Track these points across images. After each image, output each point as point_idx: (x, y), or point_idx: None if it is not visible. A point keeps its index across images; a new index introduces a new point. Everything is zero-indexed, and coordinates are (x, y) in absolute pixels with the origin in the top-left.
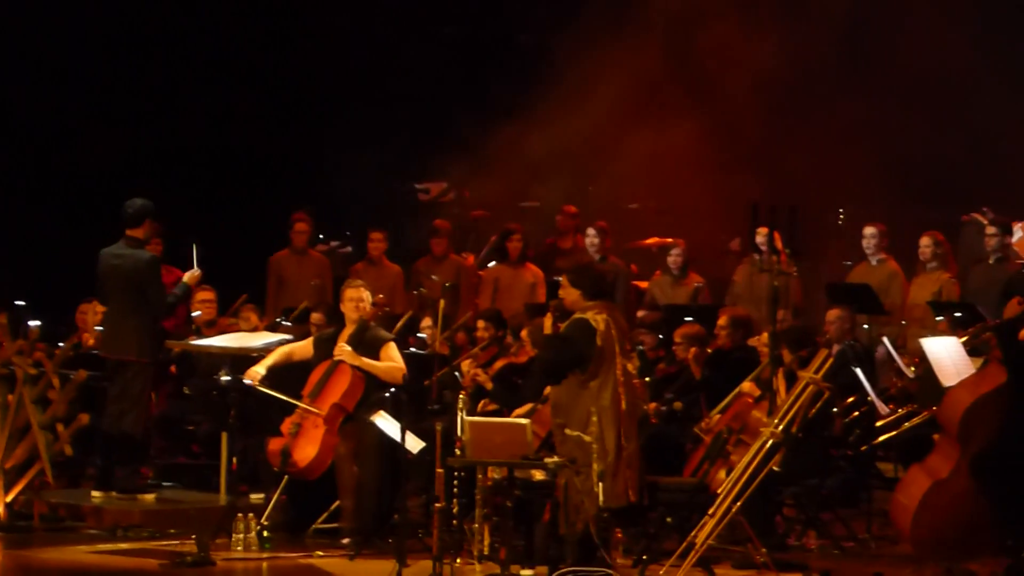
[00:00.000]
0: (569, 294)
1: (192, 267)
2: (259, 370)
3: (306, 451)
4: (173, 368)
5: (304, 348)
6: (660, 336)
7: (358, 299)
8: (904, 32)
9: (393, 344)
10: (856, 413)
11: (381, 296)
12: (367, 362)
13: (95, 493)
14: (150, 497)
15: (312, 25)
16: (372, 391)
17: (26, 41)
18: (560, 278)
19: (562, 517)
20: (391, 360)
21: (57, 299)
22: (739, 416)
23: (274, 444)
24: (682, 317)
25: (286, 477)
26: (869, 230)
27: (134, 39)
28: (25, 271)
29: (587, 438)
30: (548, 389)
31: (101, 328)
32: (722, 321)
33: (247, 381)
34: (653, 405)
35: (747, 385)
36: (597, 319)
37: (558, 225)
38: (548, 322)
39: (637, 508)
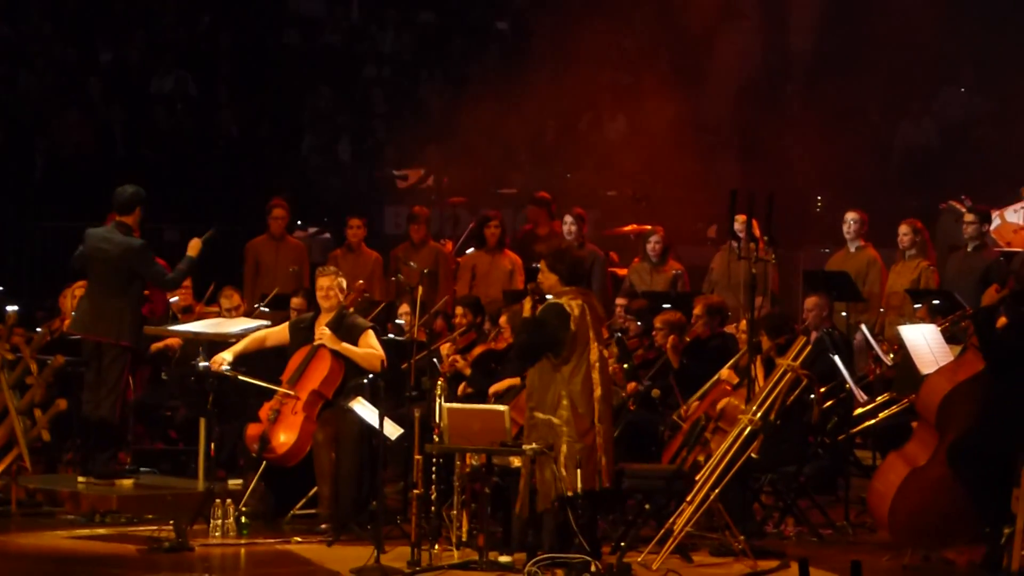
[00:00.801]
0: (547, 279)
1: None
2: (225, 356)
3: (284, 437)
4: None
5: (279, 333)
6: (640, 323)
7: (327, 288)
8: (881, 21)
9: (372, 332)
10: (833, 400)
11: (361, 282)
12: (347, 348)
13: (81, 479)
14: (128, 482)
15: (289, 11)
16: (350, 378)
17: (3, 26)
18: (539, 263)
19: (521, 501)
20: (370, 347)
21: (33, 284)
22: (717, 403)
23: (252, 430)
24: (660, 304)
25: (264, 463)
26: (851, 215)
27: (111, 24)
28: (1, 256)
29: (556, 421)
30: (526, 393)
31: (75, 309)
32: (697, 309)
33: (213, 368)
34: (633, 385)
35: (725, 372)
36: (572, 304)
37: (528, 215)
38: (527, 306)
39: (611, 494)
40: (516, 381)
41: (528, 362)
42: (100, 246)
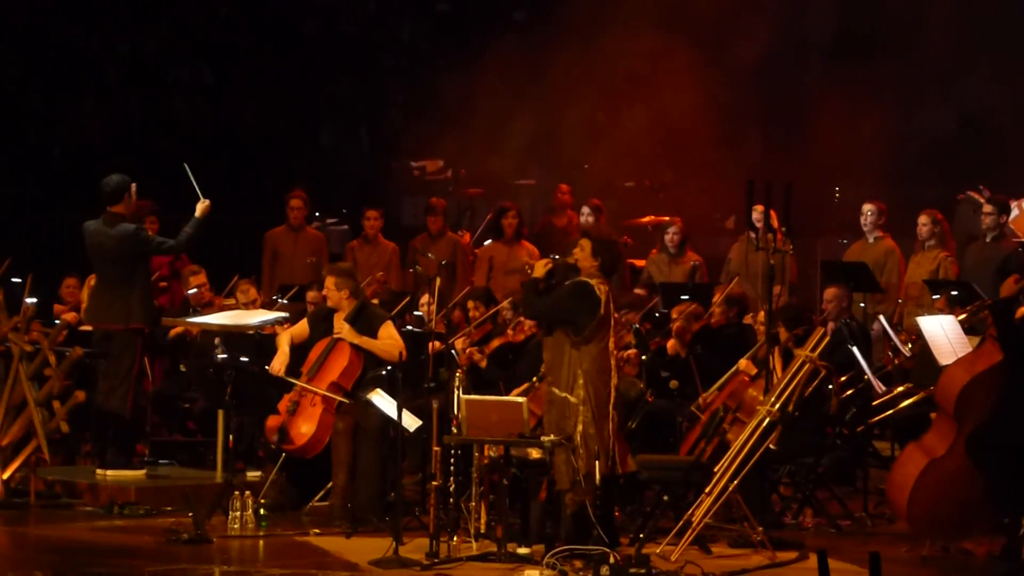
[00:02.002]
0: (586, 259)
1: (198, 197)
2: (283, 361)
3: (303, 429)
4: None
5: (300, 329)
6: (657, 314)
7: (326, 288)
8: (899, 9)
9: (390, 322)
10: (852, 391)
11: (380, 273)
12: (366, 340)
13: (99, 471)
14: (139, 474)
15: (306, 0)
16: (370, 369)
17: (15, 17)
18: (583, 240)
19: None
20: (389, 338)
21: (50, 275)
22: (735, 394)
23: (272, 422)
24: (678, 295)
25: (283, 455)
26: (867, 207)
27: (128, 14)
28: (16, 247)
29: (573, 400)
30: (543, 368)
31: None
32: (717, 298)
33: (276, 375)
34: (672, 343)
35: (744, 363)
36: (601, 288)
37: (554, 202)
38: (541, 266)
39: (630, 482)
40: (531, 383)
41: (540, 326)
42: (97, 240)
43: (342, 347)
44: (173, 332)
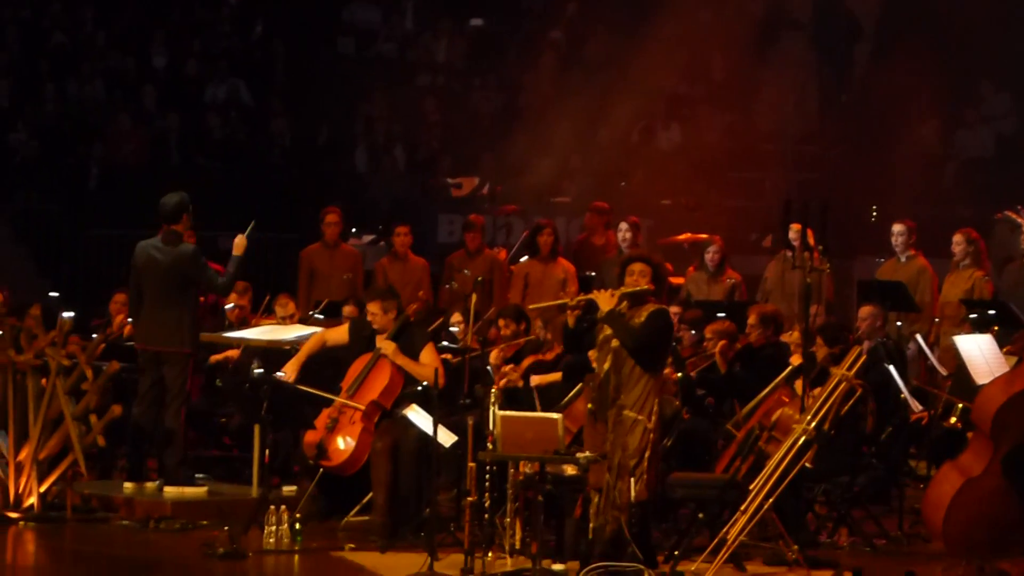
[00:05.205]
0: (645, 283)
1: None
2: (291, 370)
3: (342, 446)
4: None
5: (339, 333)
6: (693, 332)
7: (371, 313)
8: (938, 29)
9: (432, 345)
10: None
11: (421, 292)
12: (408, 362)
13: (127, 484)
14: (202, 490)
15: (343, 20)
16: (407, 386)
17: (54, 36)
18: (642, 266)
19: (594, 511)
20: (430, 363)
21: (88, 291)
22: (771, 413)
23: (310, 436)
24: (715, 314)
25: (321, 471)
26: (897, 227)
27: (165, 33)
28: (54, 262)
29: (650, 425)
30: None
31: (131, 319)
32: (752, 319)
33: (280, 376)
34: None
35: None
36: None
37: (586, 222)
38: (608, 297)
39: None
40: (558, 376)
41: (646, 363)
42: (154, 256)
43: (383, 365)
44: (213, 359)
